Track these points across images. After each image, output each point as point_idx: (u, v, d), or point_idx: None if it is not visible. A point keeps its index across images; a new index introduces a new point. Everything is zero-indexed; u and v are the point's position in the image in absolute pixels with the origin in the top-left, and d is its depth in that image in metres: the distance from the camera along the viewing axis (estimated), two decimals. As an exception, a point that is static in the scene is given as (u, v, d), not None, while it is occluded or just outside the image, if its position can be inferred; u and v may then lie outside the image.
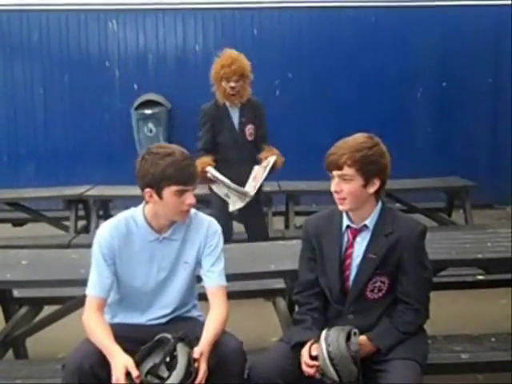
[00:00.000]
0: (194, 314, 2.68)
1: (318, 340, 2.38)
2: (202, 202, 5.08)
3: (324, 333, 2.38)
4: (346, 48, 7.94)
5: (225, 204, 4.52)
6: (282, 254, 3.27)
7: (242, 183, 4.48)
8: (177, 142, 2.71)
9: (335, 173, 2.45)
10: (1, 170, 8.10)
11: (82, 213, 6.04)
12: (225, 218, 4.40)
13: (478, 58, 7.95)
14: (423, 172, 6.62)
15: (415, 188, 6.16)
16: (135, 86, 8.01)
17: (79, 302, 2.79)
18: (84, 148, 8.08)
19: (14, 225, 6.57)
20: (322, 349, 2.33)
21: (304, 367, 2.38)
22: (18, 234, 6.29)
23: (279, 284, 3.68)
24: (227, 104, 4.55)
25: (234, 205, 4.50)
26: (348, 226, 2.54)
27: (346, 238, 2.54)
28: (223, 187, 4.49)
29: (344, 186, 2.44)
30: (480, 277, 3.98)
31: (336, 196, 2.49)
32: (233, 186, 4.44)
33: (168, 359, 2.27)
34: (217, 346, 2.38)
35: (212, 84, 4.52)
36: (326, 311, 2.59)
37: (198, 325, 2.52)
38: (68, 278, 3.00)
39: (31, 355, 3.54)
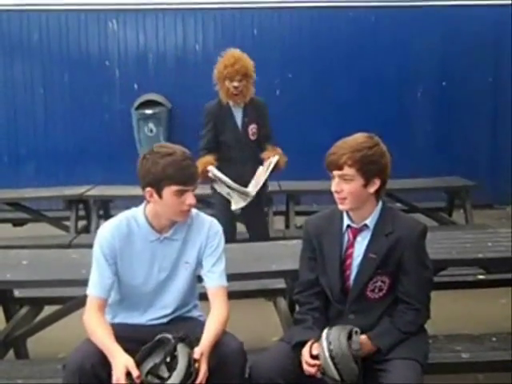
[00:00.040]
0: (195, 314, 2.68)
1: (318, 339, 2.38)
2: (203, 203, 5.09)
3: (325, 332, 2.38)
4: (346, 48, 7.94)
5: (227, 204, 4.52)
6: (283, 253, 3.27)
7: (245, 183, 4.47)
8: (177, 141, 2.71)
9: (335, 173, 2.45)
10: (1, 170, 8.09)
11: (82, 213, 6.04)
12: (227, 218, 4.41)
13: (478, 58, 7.94)
14: (423, 172, 6.62)
15: (415, 188, 6.16)
16: (135, 86, 8.01)
17: (80, 302, 2.79)
18: (84, 148, 8.07)
19: (15, 225, 6.57)
20: (323, 347, 2.33)
21: (305, 366, 2.38)
22: (19, 234, 6.28)
23: (280, 284, 3.69)
24: (230, 103, 4.54)
25: (237, 204, 4.50)
26: (348, 226, 2.54)
27: (346, 238, 2.54)
28: (225, 186, 4.49)
29: (344, 185, 2.44)
30: (480, 276, 3.98)
31: (336, 196, 2.49)
32: (234, 185, 4.43)
33: (168, 359, 2.27)
34: (217, 346, 2.37)
35: (215, 83, 4.52)
36: (326, 311, 2.59)
37: (199, 325, 2.51)
38: (69, 278, 3.01)
39: (32, 355, 3.55)
